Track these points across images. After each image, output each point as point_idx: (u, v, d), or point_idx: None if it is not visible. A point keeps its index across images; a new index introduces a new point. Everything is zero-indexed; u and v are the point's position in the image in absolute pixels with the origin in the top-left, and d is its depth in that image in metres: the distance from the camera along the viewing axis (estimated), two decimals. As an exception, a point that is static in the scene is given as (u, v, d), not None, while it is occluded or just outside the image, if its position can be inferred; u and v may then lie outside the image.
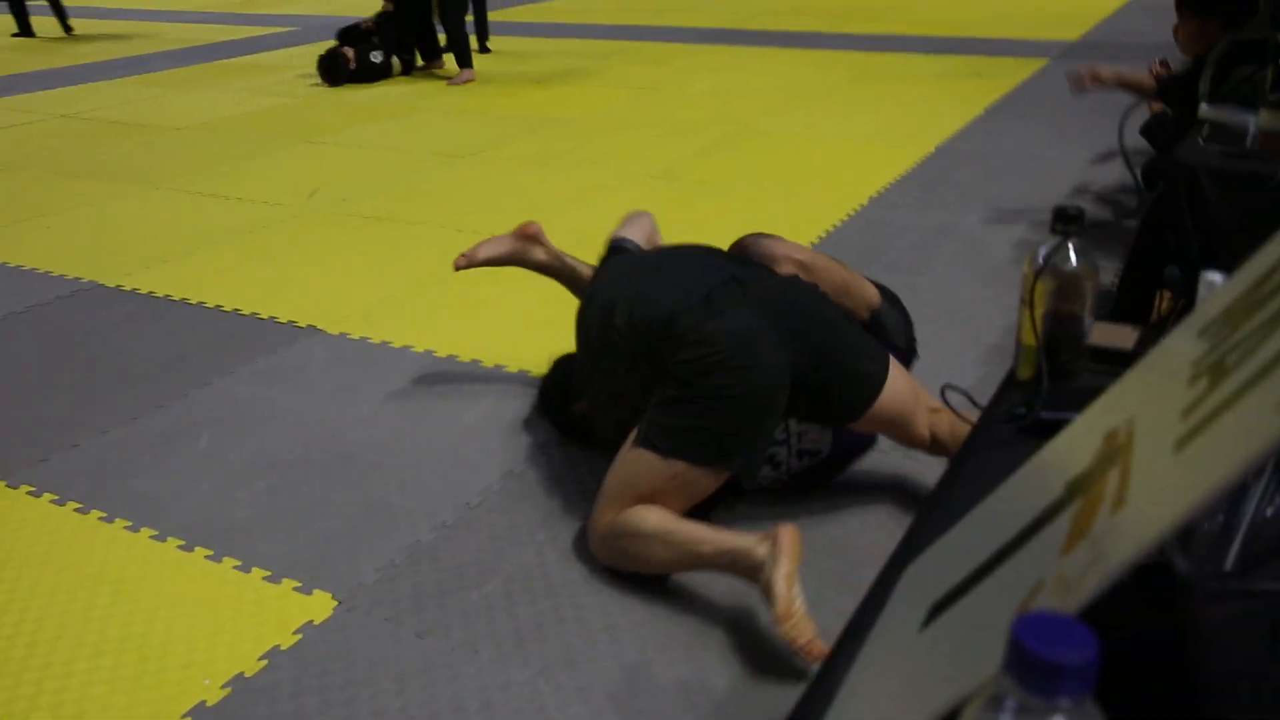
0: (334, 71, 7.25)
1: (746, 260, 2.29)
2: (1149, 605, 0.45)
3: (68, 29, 10.55)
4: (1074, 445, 0.68)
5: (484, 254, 2.69)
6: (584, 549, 2.23)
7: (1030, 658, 0.41)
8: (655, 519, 2.02)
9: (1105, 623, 0.46)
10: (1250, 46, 2.97)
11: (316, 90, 7.26)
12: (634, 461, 2.06)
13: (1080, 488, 0.60)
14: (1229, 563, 1.00)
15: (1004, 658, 0.42)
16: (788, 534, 1.87)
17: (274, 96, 7.15)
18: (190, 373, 3.11)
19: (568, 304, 3.42)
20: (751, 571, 1.90)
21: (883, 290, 2.38)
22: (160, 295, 3.70)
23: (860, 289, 2.30)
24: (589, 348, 2.28)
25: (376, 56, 7.31)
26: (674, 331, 2.06)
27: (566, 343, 3.15)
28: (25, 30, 10.41)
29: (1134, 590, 0.44)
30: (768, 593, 1.84)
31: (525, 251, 2.72)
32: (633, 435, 2.11)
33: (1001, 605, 0.55)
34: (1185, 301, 2.49)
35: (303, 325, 3.39)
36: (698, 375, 2.01)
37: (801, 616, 1.80)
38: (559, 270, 2.74)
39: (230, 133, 6.12)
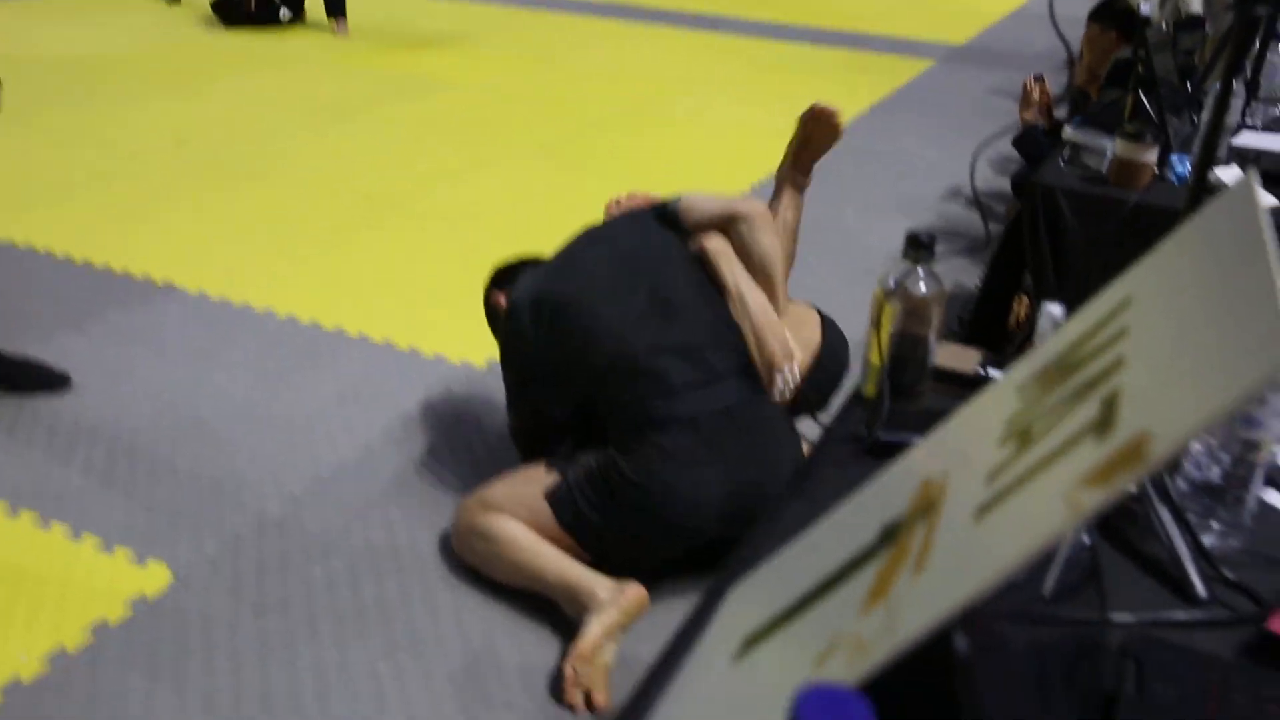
0: (230, 10, 6.93)
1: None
2: (930, 671, 0.45)
3: None
4: (896, 486, 0.69)
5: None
6: (436, 529, 2.20)
7: (808, 733, 0.41)
8: (515, 531, 1.99)
9: (885, 685, 0.46)
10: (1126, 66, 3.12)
11: (190, 33, 6.94)
12: (533, 501, 2.00)
13: (892, 536, 0.60)
14: (1047, 588, 1.05)
15: (787, 727, 0.42)
16: (634, 591, 1.87)
17: (145, 36, 6.80)
18: (33, 326, 2.94)
19: (440, 276, 3.36)
20: (584, 610, 1.88)
21: (825, 330, 2.28)
22: (3, 241, 3.49)
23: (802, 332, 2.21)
24: (562, 340, 2.08)
25: None
26: (647, 417, 1.95)
27: (439, 314, 3.10)
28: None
29: (916, 657, 0.44)
30: (580, 630, 1.84)
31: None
32: (548, 475, 2.03)
33: (802, 655, 0.55)
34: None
35: (159, 283, 3.25)
36: (632, 506, 1.93)
37: (598, 666, 1.80)
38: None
39: (95, 71, 5.80)
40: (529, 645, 1.93)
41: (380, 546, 2.15)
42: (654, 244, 2.16)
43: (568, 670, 1.79)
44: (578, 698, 1.79)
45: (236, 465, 2.38)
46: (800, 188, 2.36)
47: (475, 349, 2.85)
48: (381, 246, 3.62)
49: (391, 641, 1.91)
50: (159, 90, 5.45)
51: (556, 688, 1.83)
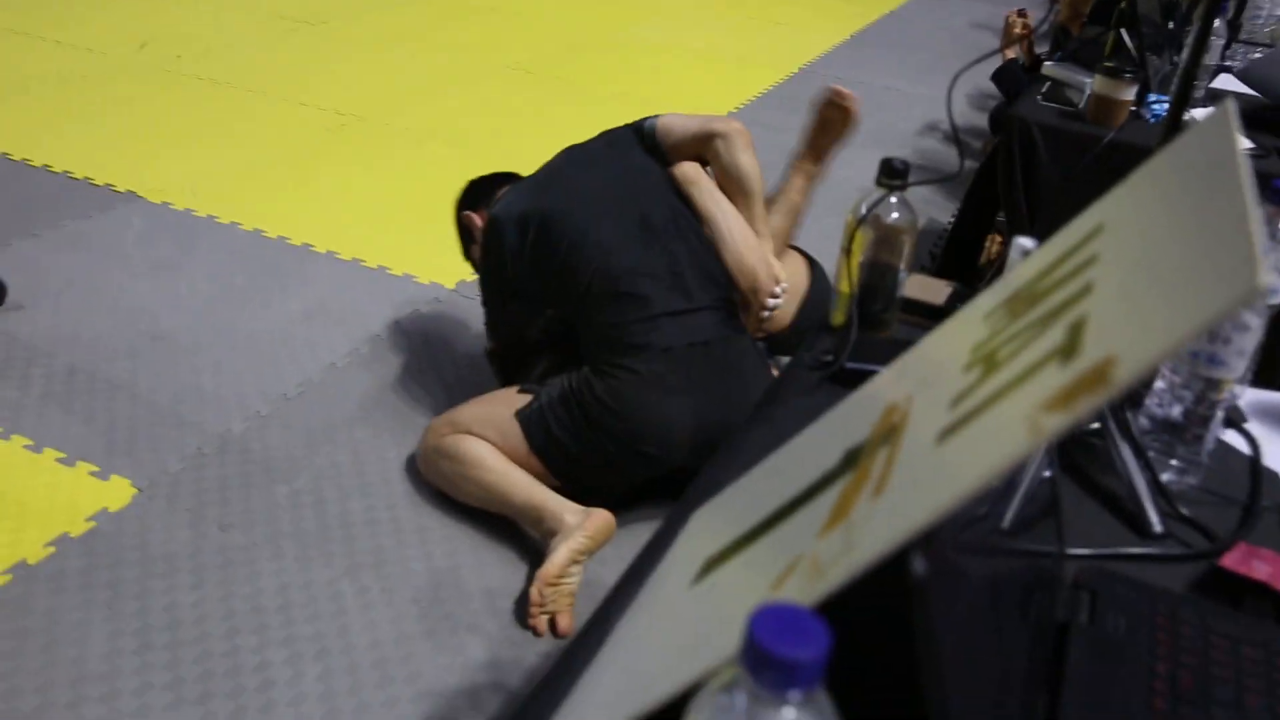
0: None
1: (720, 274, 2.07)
2: (886, 595, 0.45)
3: None
4: (859, 411, 0.69)
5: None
6: (402, 449, 2.19)
7: (761, 653, 0.40)
8: (483, 452, 1.98)
9: (841, 608, 0.46)
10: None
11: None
12: (503, 423, 2.00)
13: (854, 460, 0.60)
14: (1006, 521, 1.05)
15: (740, 647, 0.42)
16: (600, 517, 1.87)
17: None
18: (-10, 232, 2.88)
19: (410, 194, 3.32)
20: (550, 534, 1.89)
21: (812, 275, 2.26)
22: (-39, 143, 3.40)
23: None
24: (550, 257, 2.04)
25: None
26: (625, 341, 1.94)
27: (408, 233, 3.06)
28: None
29: (873, 581, 0.44)
30: (547, 555, 1.84)
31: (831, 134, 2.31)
32: (520, 397, 2.03)
33: (760, 577, 0.55)
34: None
35: (120, 190, 3.18)
36: (603, 428, 1.92)
37: (563, 591, 1.81)
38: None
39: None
40: (493, 568, 1.93)
41: (345, 466, 2.14)
42: (637, 168, 2.13)
43: (534, 594, 1.80)
44: (543, 622, 1.80)
45: (200, 381, 2.35)
46: (811, 176, 2.29)
47: (444, 269, 2.82)
48: (350, 162, 3.55)
49: (355, 562, 1.91)
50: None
51: (521, 611, 1.84)
